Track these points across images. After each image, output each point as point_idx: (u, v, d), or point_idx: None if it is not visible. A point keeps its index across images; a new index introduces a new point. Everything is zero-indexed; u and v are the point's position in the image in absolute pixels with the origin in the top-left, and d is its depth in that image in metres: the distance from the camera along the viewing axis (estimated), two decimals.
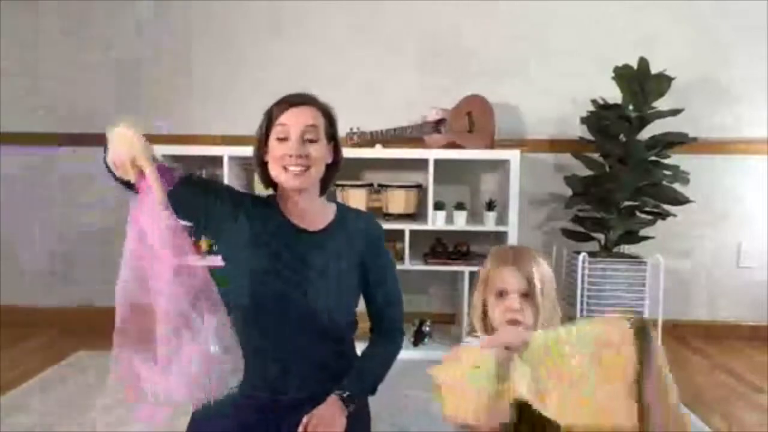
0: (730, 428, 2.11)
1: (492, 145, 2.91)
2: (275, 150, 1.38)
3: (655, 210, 2.80)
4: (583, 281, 2.72)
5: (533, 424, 1.07)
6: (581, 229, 2.94)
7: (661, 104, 2.74)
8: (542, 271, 1.24)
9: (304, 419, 1.28)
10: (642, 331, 1.01)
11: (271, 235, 1.40)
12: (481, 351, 1.09)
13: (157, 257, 1.11)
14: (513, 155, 2.77)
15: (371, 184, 2.92)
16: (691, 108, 2.86)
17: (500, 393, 1.04)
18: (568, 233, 2.97)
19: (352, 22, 3.14)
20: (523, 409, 1.03)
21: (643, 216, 2.84)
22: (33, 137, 3.14)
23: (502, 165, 2.95)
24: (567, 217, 3.02)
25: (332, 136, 1.46)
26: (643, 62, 2.69)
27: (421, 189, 2.90)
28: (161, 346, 1.09)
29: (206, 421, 1.39)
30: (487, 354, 1.07)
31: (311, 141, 1.38)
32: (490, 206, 2.85)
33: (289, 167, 1.37)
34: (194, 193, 1.37)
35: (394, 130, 2.98)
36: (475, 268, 2.75)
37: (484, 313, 1.27)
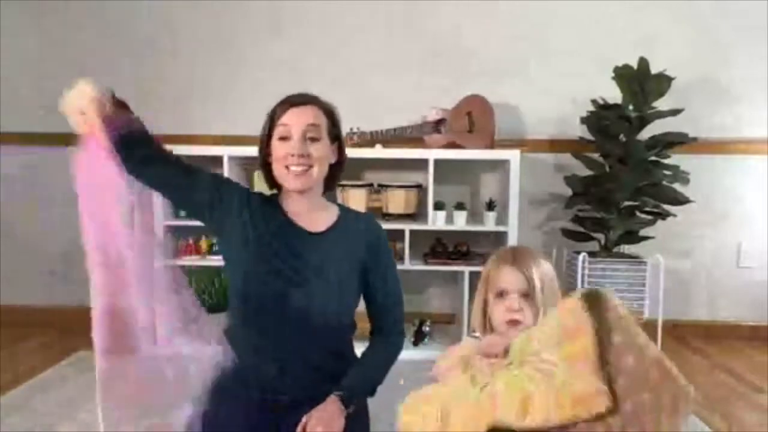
0: (730, 428, 2.11)
1: (492, 145, 2.91)
2: (277, 150, 1.38)
3: (655, 210, 2.80)
4: (583, 281, 2.72)
5: None
6: (581, 229, 2.94)
7: (661, 104, 2.74)
8: (543, 271, 1.24)
9: (303, 419, 1.28)
10: (593, 300, 0.99)
11: (273, 235, 1.40)
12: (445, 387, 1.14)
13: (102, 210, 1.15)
14: (513, 155, 2.77)
15: (371, 184, 2.92)
16: (691, 108, 2.86)
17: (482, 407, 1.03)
18: (568, 233, 2.97)
19: (352, 22, 3.14)
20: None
21: (643, 216, 2.84)
22: (33, 137, 3.14)
23: (502, 165, 2.95)
24: (567, 217, 3.02)
25: (336, 136, 1.46)
26: (643, 62, 2.69)
27: (421, 189, 2.90)
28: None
29: (205, 420, 1.39)
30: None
31: (313, 140, 1.38)
32: (490, 206, 2.85)
33: (291, 167, 1.37)
34: (198, 188, 1.39)
35: (394, 130, 2.98)
36: (475, 268, 2.76)
37: (485, 313, 1.27)
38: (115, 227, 1.25)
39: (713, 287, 3.18)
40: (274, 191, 1.49)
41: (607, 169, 2.84)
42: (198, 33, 3.15)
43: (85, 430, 2.00)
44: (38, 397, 2.25)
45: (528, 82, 3.11)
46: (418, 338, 2.86)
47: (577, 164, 2.95)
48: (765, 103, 3.07)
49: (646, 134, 2.77)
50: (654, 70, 2.69)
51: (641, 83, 2.70)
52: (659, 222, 2.82)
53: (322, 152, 1.40)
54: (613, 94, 2.78)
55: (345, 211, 1.52)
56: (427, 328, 2.90)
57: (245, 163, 2.87)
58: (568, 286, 2.80)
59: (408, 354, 2.64)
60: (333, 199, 2.70)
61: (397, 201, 2.85)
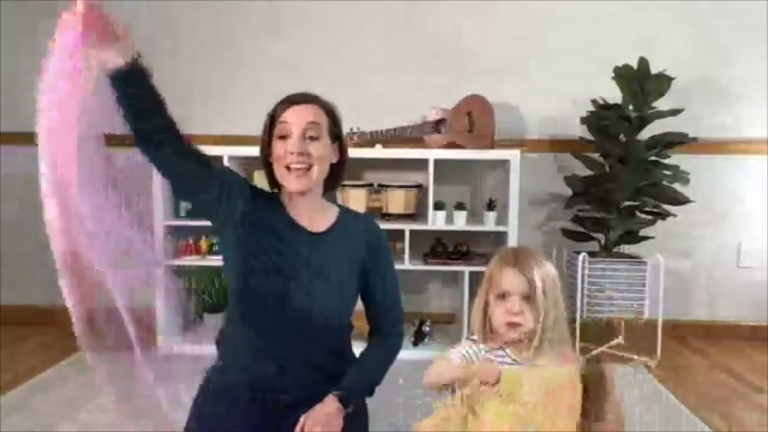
0: (730, 428, 2.11)
1: (492, 145, 2.91)
2: (278, 149, 1.38)
3: (655, 210, 2.80)
4: (583, 281, 2.72)
5: None
6: (581, 229, 2.94)
7: (661, 104, 2.74)
8: (545, 273, 1.23)
9: (301, 419, 1.28)
10: (593, 375, 1.19)
11: (275, 235, 1.40)
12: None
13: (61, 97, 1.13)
14: (513, 155, 2.77)
15: (371, 184, 2.92)
16: (691, 108, 2.86)
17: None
18: (568, 233, 2.97)
19: (352, 22, 3.14)
20: None
21: (643, 216, 2.84)
22: (33, 137, 3.13)
23: (502, 165, 2.95)
24: (567, 217, 3.02)
25: (336, 136, 1.45)
26: (643, 62, 2.69)
27: (421, 189, 2.90)
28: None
29: (205, 420, 1.39)
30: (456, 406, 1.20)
31: (313, 139, 1.38)
32: (490, 206, 2.85)
33: (291, 165, 1.37)
34: (209, 186, 1.38)
35: (394, 130, 2.98)
36: (475, 268, 2.76)
37: (485, 314, 1.26)
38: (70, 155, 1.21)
39: (713, 287, 3.18)
40: (275, 190, 1.49)
41: (607, 169, 2.84)
42: (198, 33, 3.15)
43: (85, 430, 2.00)
44: (38, 397, 2.24)
45: (528, 82, 3.11)
46: (418, 338, 2.86)
47: (577, 164, 2.95)
48: (765, 103, 3.07)
49: (646, 134, 2.77)
50: (654, 70, 2.69)
51: (641, 83, 2.70)
52: (659, 222, 2.82)
53: (322, 151, 1.39)
54: (613, 94, 2.78)
55: (344, 212, 1.52)
56: (427, 328, 2.90)
57: (245, 163, 2.86)
58: (568, 287, 2.80)
59: (408, 354, 2.65)
60: (333, 200, 2.70)
61: (397, 201, 2.85)
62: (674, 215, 2.80)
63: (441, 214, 2.82)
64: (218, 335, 1.49)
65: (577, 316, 2.71)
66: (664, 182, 2.74)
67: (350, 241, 1.45)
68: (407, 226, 2.78)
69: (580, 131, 2.93)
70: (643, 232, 2.87)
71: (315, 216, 1.45)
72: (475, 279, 2.64)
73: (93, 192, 1.19)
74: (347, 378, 1.39)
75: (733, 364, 2.76)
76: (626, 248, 2.91)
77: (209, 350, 1.51)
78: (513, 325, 1.21)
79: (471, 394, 1.19)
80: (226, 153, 2.77)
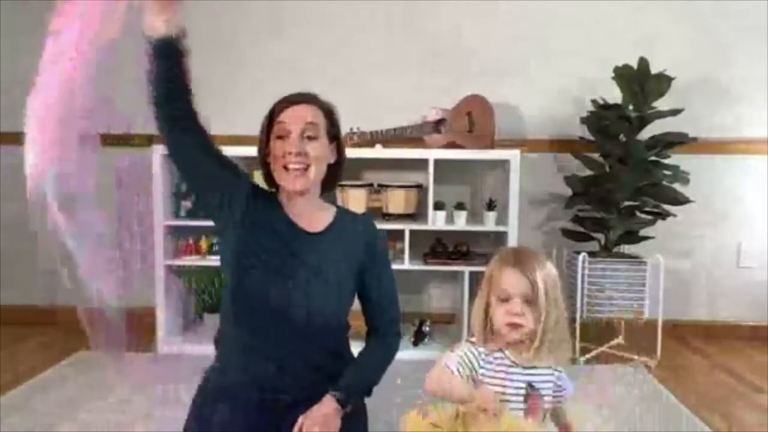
0: (730, 428, 2.11)
1: (492, 145, 2.90)
2: (276, 149, 1.39)
3: (655, 210, 2.80)
4: (583, 281, 2.72)
5: None
6: (581, 229, 2.94)
7: (661, 104, 2.74)
8: (545, 274, 1.22)
9: (300, 419, 1.28)
10: None
11: (274, 235, 1.40)
12: (446, 412, 1.22)
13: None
14: (513, 155, 2.77)
15: (371, 184, 2.92)
16: (691, 108, 2.86)
17: None
18: (568, 233, 2.97)
19: (352, 22, 3.14)
20: None
21: (643, 216, 2.84)
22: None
23: (502, 165, 2.95)
24: (567, 217, 3.02)
25: (334, 136, 1.46)
26: (643, 62, 2.69)
27: (421, 189, 2.90)
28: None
29: (204, 420, 1.39)
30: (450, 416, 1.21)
31: (311, 138, 1.38)
32: (490, 206, 2.85)
33: (288, 165, 1.37)
34: (222, 188, 1.38)
35: (394, 130, 2.98)
36: (475, 268, 2.76)
37: (486, 315, 1.26)
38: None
39: (713, 287, 3.18)
40: (273, 190, 1.49)
41: (607, 169, 2.84)
42: (198, 33, 3.14)
43: (85, 430, 2.00)
44: (38, 397, 2.24)
45: (528, 82, 3.11)
46: (418, 338, 2.86)
47: (577, 164, 2.95)
48: (765, 103, 3.07)
49: (646, 134, 2.77)
50: (654, 70, 2.69)
51: (641, 83, 2.70)
52: (659, 222, 2.82)
53: (320, 151, 1.39)
54: (613, 94, 2.78)
55: (342, 212, 1.52)
56: (427, 328, 2.89)
57: (244, 163, 2.85)
58: (568, 287, 2.80)
59: (408, 354, 2.67)
60: (332, 200, 2.70)
61: (397, 201, 2.85)
62: (674, 215, 2.80)
63: (441, 214, 2.82)
64: (216, 334, 1.49)
65: (577, 316, 2.71)
66: (664, 182, 2.74)
67: (348, 242, 1.45)
68: (407, 226, 2.78)
69: (580, 131, 2.93)
70: (643, 232, 2.86)
71: (313, 216, 1.45)
72: (475, 279, 2.64)
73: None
74: (345, 378, 1.39)
75: (733, 364, 2.76)
76: (626, 248, 2.91)
77: (209, 350, 1.51)
78: (514, 326, 1.21)
79: (468, 413, 1.20)
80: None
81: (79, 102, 1.14)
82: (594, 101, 2.84)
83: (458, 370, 1.22)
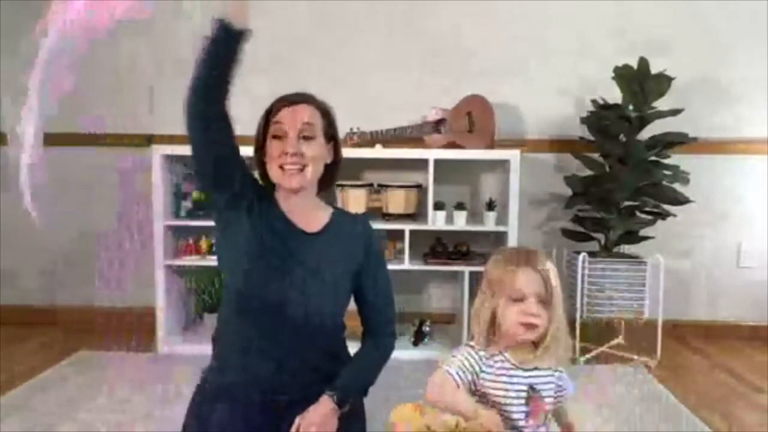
0: (730, 428, 2.11)
1: (492, 145, 2.91)
2: (272, 149, 1.39)
3: (655, 210, 2.80)
4: (583, 281, 2.72)
5: None
6: (581, 229, 2.94)
7: (661, 104, 2.74)
8: (555, 273, 1.21)
9: (297, 420, 1.28)
10: None
11: (271, 234, 1.40)
12: (443, 418, 1.19)
13: None
14: (513, 155, 2.77)
15: (371, 184, 2.92)
16: (691, 108, 2.86)
17: None
18: (568, 233, 2.97)
19: (352, 22, 3.14)
20: None
21: (643, 216, 2.84)
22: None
23: (502, 165, 2.95)
24: (567, 217, 3.02)
25: (331, 136, 1.46)
26: (643, 62, 2.69)
27: (421, 189, 2.90)
28: None
29: (202, 420, 1.39)
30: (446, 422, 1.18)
31: (307, 139, 1.38)
32: (490, 206, 2.85)
33: (285, 166, 1.37)
34: (233, 189, 1.38)
35: (394, 130, 2.98)
36: (475, 268, 2.76)
37: (494, 317, 1.22)
38: None
39: (713, 287, 3.18)
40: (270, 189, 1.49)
41: (607, 169, 2.84)
42: (196, 31, 3.14)
43: (85, 430, 2.00)
44: (38, 397, 2.24)
45: (528, 82, 3.11)
46: (418, 338, 2.86)
47: (577, 164, 2.95)
48: (765, 103, 3.07)
49: (646, 134, 2.77)
50: (654, 70, 2.69)
51: (641, 83, 2.70)
52: (659, 222, 2.82)
53: (317, 151, 1.39)
54: (613, 94, 2.78)
55: (339, 212, 1.52)
56: (427, 328, 2.89)
57: None
58: (568, 286, 2.80)
59: (408, 354, 2.67)
60: (332, 200, 2.70)
61: (397, 201, 2.85)
62: (674, 215, 2.80)
63: (441, 214, 2.82)
64: (214, 333, 1.49)
65: (577, 316, 2.71)
66: (664, 182, 2.74)
67: (345, 242, 1.45)
68: (407, 226, 2.78)
69: (580, 131, 2.93)
70: (643, 232, 2.87)
71: (309, 216, 1.45)
72: (475, 279, 2.63)
73: None
74: (341, 378, 1.39)
75: (733, 364, 2.76)
76: (626, 248, 2.91)
77: (209, 350, 1.51)
78: (530, 327, 1.19)
79: (469, 429, 1.18)
80: None
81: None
82: (594, 101, 2.84)
83: (459, 374, 1.21)
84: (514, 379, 1.21)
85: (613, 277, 2.74)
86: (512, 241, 2.74)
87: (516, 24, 3.11)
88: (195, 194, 2.88)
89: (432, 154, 2.80)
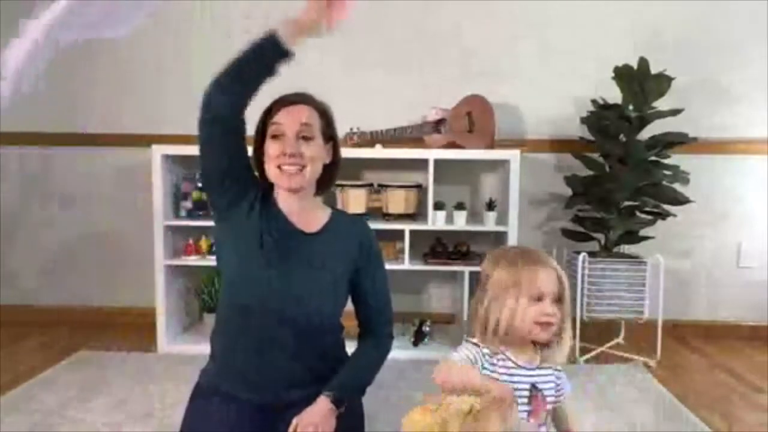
0: (730, 428, 2.11)
1: (492, 145, 2.91)
2: (270, 149, 1.39)
3: (655, 210, 2.80)
4: (583, 281, 2.72)
5: None
6: (581, 229, 2.94)
7: (661, 104, 2.74)
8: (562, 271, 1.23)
9: (294, 420, 1.28)
10: None
11: (270, 233, 1.40)
12: (454, 407, 1.15)
13: None
14: (513, 155, 2.77)
15: (371, 184, 2.92)
16: (691, 108, 2.86)
17: None
18: (568, 233, 2.97)
19: (352, 22, 3.13)
20: None
21: (643, 216, 2.84)
22: (33, 137, 3.14)
23: (502, 165, 2.95)
24: (567, 217, 3.02)
25: (330, 136, 1.46)
26: (643, 62, 2.69)
27: (421, 189, 2.90)
28: None
29: (201, 420, 1.39)
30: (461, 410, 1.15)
31: (306, 139, 1.38)
32: (490, 206, 2.85)
33: (283, 166, 1.37)
34: (237, 189, 1.39)
35: (394, 130, 2.98)
36: (475, 268, 2.76)
37: (512, 317, 1.19)
38: None
39: (713, 287, 3.18)
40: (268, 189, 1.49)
41: (607, 169, 2.84)
42: (197, 30, 3.14)
43: (85, 430, 2.00)
44: (38, 397, 2.24)
45: (528, 82, 3.11)
46: (418, 338, 2.85)
47: (577, 164, 2.95)
48: (765, 103, 3.07)
49: (646, 134, 2.77)
50: (654, 70, 2.68)
51: (641, 83, 2.70)
52: (659, 222, 2.81)
53: (315, 152, 1.40)
54: (613, 94, 2.78)
55: (337, 213, 1.53)
56: (427, 328, 2.89)
57: None
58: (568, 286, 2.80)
59: (408, 354, 2.67)
60: (332, 201, 2.70)
61: (397, 201, 2.85)
62: (674, 215, 2.80)
63: (441, 214, 2.82)
64: (212, 333, 1.49)
65: (577, 316, 2.71)
66: (664, 182, 2.74)
67: (343, 242, 1.45)
68: (407, 226, 2.78)
69: (580, 131, 2.93)
70: (643, 232, 2.86)
71: (308, 216, 1.45)
72: (475, 279, 2.63)
73: None
74: (339, 378, 1.39)
75: (733, 364, 2.76)
76: (626, 248, 2.91)
77: (209, 350, 1.51)
78: (546, 326, 1.19)
79: (482, 411, 1.14)
80: None
81: None
82: (594, 101, 2.84)
83: (462, 363, 1.21)
84: (515, 378, 1.21)
85: (613, 277, 2.74)
86: (512, 241, 2.74)
87: (516, 24, 3.11)
88: (195, 194, 2.88)
89: (432, 154, 2.80)
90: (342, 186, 2.80)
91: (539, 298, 1.19)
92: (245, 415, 1.36)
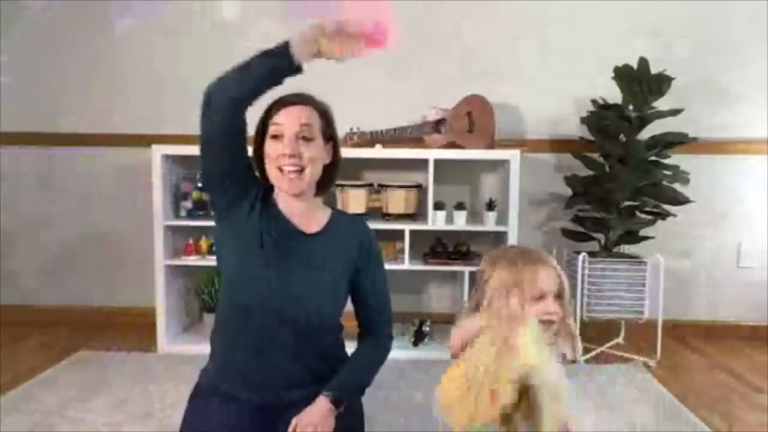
0: (730, 428, 2.11)
1: (492, 145, 2.91)
2: (270, 149, 1.39)
3: (655, 210, 2.80)
4: (583, 281, 2.72)
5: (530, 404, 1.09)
6: (581, 229, 2.94)
7: (661, 104, 2.74)
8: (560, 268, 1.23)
9: (293, 420, 1.28)
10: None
11: (269, 234, 1.40)
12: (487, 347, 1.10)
13: None
14: (513, 155, 2.77)
15: (371, 184, 2.92)
16: (691, 108, 2.86)
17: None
18: (568, 233, 2.97)
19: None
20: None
21: (643, 216, 2.84)
22: (33, 137, 3.14)
23: (502, 165, 2.95)
24: (567, 217, 3.02)
25: (330, 137, 1.46)
26: (643, 62, 2.69)
27: (421, 189, 2.90)
28: None
29: (200, 420, 1.39)
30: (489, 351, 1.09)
31: (306, 140, 1.38)
32: (490, 206, 2.85)
33: (284, 167, 1.37)
34: (238, 189, 1.39)
35: (394, 130, 2.98)
36: (474, 268, 2.74)
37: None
38: None
39: (713, 287, 3.18)
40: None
41: (607, 169, 2.84)
42: (197, 29, 3.14)
43: (85, 430, 2.00)
44: (38, 397, 2.24)
45: (528, 82, 3.11)
46: (418, 338, 2.86)
47: (577, 164, 2.95)
48: (765, 103, 3.07)
49: (646, 134, 2.77)
50: (654, 70, 2.69)
51: (641, 83, 2.70)
52: (659, 222, 2.81)
53: (315, 153, 1.40)
54: (613, 94, 2.78)
55: (337, 213, 1.53)
56: (427, 328, 2.89)
57: None
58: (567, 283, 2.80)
59: (408, 354, 2.67)
60: (332, 201, 2.70)
61: (397, 201, 2.85)
62: (674, 215, 2.80)
63: (441, 214, 2.82)
64: (212, 333, 1.49)
65: (577, 316, 2.71)
66: (664, 182, 2.74)
67: (343, 243, 1.45)
68: (407, 226, 2.78)
69: (580, 131, 2.94)
70: (643, 232, 2.86)
71: (308, 216, 1.45)
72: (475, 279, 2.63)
73: None
74: (338, 378, 1.39)
75: (733, 364, 2.76)
76: (626, 248, 2.91)
77: (209, 350, 1.51)
78: (548, 324, 1.19)
79: (496, 369, 1.08)
80: None
81: None
82: (594, 101, 2.84)
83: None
84: None
85: (613, 277, 2.74)
86: (512, 241, 2.73)
87: (516, 24, 3.11)
88: (195, 194, 2.88)
89: (432, 154, 2.80)
90: (342, 186, 2.80)
91: (541, 297, 1.19)
92: (245, 415, 1.36)
